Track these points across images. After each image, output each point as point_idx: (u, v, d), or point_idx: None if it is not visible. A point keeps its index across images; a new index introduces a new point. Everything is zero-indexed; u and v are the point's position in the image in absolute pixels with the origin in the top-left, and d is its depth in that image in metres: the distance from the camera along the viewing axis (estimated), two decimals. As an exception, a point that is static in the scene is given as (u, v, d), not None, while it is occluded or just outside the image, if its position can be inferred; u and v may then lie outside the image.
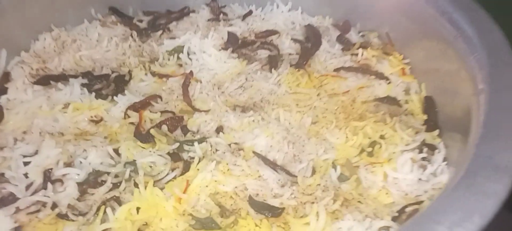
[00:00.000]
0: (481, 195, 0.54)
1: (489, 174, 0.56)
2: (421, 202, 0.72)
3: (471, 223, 0.51)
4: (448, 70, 0.85)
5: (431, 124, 0.85)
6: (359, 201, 0.73)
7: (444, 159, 0.79)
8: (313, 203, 0.72)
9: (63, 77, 0.92)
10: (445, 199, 0.54)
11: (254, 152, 0.78)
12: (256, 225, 0.68)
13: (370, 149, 0.80)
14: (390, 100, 0.89)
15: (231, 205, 0.71)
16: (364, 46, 1.00)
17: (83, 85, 0.90)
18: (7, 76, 0.92)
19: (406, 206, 0.72)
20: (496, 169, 0.56)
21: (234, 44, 1.01)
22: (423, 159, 0.79)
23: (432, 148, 0.80)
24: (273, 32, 1.06)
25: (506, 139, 0.61)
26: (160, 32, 1.06)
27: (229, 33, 1.03)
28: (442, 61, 0.87)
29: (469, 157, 0.60)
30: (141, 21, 1.09)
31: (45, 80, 0.91)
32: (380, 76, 0.94)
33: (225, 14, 1.12)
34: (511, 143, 0.60)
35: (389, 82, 0.93)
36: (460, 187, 0.55)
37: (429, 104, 0.88)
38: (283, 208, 0.71)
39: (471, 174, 0.57)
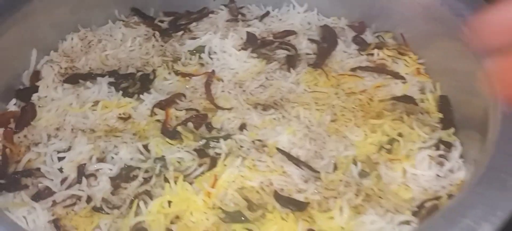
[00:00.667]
0: (503, 190, 0.57)
1: (510, 170, 0.59)
2: (440, 197, 0.76)
3: (494, 217, 0.54)
4: (464, 71, 0.87)
5: (446, 122, 0.88)
6: (380, 196, 0.76)
7: (461, 156, 0.82)
8: (336, 198, 0.75)
9: (91, 76, 0.95)
10: (468, 195, 0.57)
11: (278, 149, 0.81)
12: (283, 219, 0.71)
13: (388, 146, 0.83)
14: (406, 99, 0.92)
15: (258, 199, 0.75)
16: (379, 46, 1.03)
17: (110, 84, 0.94)
18: (37, 75, 0.96)
19: (425, 201, 0.75)
20: (518, 166, 0.60)
21: (254, 44, 1.04)
22: (440, 156, 0.82)
23: (448, 146, 0.84)
24: (291, 33, 1.08)
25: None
26: (181, 32, 1.09)
27: (248, 33, 1.06)
28: (458, 62, 0.90)
29: (489, 155, 0.63)
30: (162, 21, 1.12)
31: (74, 79, 0.94)
32: (396, 75, 0.97)
33: (243, 15, 1.15)
34: (529, 141, 0.63)
35: (405, 82, 0.95)
36: (482, 183, 0.58)
37: (444, 103, 0.91)
38: (308, 203, 0.74)
39: (492, 170, 0.60)
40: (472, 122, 0.82)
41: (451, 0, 0.91)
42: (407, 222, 0.72)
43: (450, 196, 0.75)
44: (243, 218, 0.71)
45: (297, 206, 0.73)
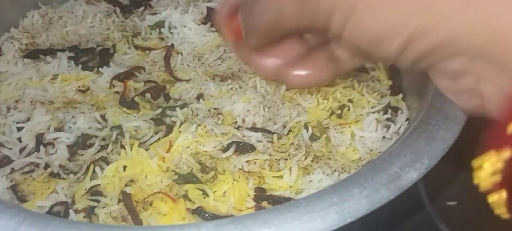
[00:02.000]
0: (431, 140, 0.61)
1: (438, 123, 0.63)
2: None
3: (420, 164, 0.58)
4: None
5: (395, 89, 0.92)
6: (328, 158, 0.80)
7: (407, 119, 0.86)
8: (286, 159, 0.78)
9: (51, 51, 0.97)
10: (399, 145, 0.61)
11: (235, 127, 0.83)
12: (234, 179, 0.74)
13: (339, 112, 0.87)
14: (358, 67, 0.95)
15: (211, 163, 0.78)
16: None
17: (70, 58, 0.95)
18: (-3, 51, 0.97)
19: (370, 161, 0.79)
20: (445, 119, 0.63)
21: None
22: (388, 119, 0.86)
23: (395, 110, 0.88)
24: (251, 7, 1.11)
25: (456, 95, 0.68)
26: (142, 8, 1.11)
27: (208, 8, 1.08)
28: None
29: (422, 109, 0.67)
30: (124, -2, 1.14)
31: (34, 54, 0.96)
32: (350, 46, 1.00)
33: (204, -10, 1.17)
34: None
35: (358, 52, 0.99)
36: (412, 134, 0.62)
37: (394, 71, 0.95)
38: (254, 147, 0.78)
39: (423, 123, 0.63)
40: (417, 87, 0.86)
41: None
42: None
43: (394, 155, 0.79)
44: (195, 179, 0.74)
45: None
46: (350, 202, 0.53)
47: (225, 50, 1.00)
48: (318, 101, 0.89)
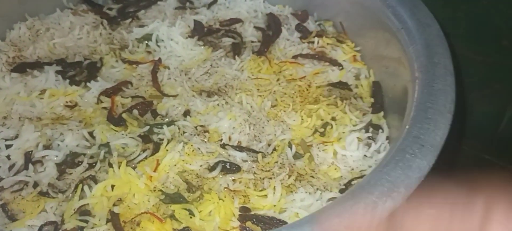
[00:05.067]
0: (407, 169, 0.64)
1: (415, 151, 0.66)
2: (365, 175, 0.83)
3: (397, 193, 0.61)
4: (392, 58, 0.94)
5: (377, 106, 0.95)
6: (311, 176, 0.83)
7: (387, 138, 0.89)
8: (270, 178, 0.81)
9: (38, 65, 0.98)
10: (377, 173, 0.63)
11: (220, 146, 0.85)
12: (220, 198, 0.77)
13: (322, 130, 0.90)
14: (342, 85, 0.98)
15: (197, 181, 0.80)
16: (320, 34, 1.09)
17: (57, 72, 0.96)
18: (-16, 64, 0.97)
19: (352, 180, 0.82)
20: (421, 147, 0.67)
21: (200, 32, 1.08)
22: (369, 137, 0.89)
23: (376, 128, 0.91)
24: (237, 21, 1.13)
25: (433, 121, 0.71)
26: (129, 20, 1.12)
27: (195, 21, 1.10)
28: (387, 50, 0.97)
29: (401, 137, 0.70)
30: (111, 9, 1.14)
31: (21, 68, 0.96)
32: (334, 62, 1.03)
33: (191, 2, 1.19)
34: (437, 124, 0.70)
35: (342, 69, 1.02)
36: (390, 163, 0.65)
37: (376, 89, 0.98)
38: (240, 167, 0.81)
39: (401, 151, 0.66)
40: (397, 106, 0.89)
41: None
42: (334, 199, 0.79)
43: (375, 174, 0.82)
44: (181, 199, 0.76)
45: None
46: (330, 231, 0.56)
47: (211, 65, 1.02)
48: (302, 119, 0.91)
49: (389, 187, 0.61)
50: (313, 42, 1.08)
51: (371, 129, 0.90)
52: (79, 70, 0.98)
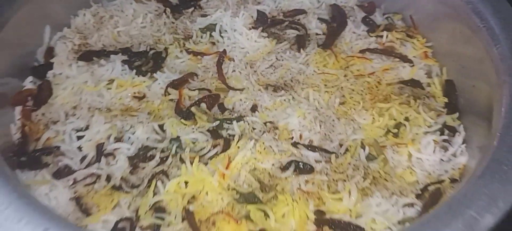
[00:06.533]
0: (504, 183, 0.60)
1: (511, 163, 0.62)
2: (443, 181, 0.79)
3: (496, 208, 0.57)
4: (471, 57, 0.90)
5: (451, 107, 0.91)
6: (386, 179, 0.80)
7: (464, 141, 0.85)
8: (344, 181, 0.78)
9: (104, 53, 0.97)
10: (472, 186, 0.60)
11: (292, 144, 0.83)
12: (294, 200, 0.75)
13: (395, 130, 0.86)
14: (413, 83, 0.94)
15: (269, 181, 0.78)
16: (388, 28, 1.05)
17: (123, 62, 0.95)
18: (51, 51, 0.97)
19: (428, 185, 0.79)
20: (519, 158, 0.63)
21: (264, 23, 1.06)
22: (444, 140, 0.85)
23: (452, 130, 0.87)
24: (300, 11, 1.10)
25: (527, 130, 0.67)
26: (191, 9, 1.10)
27: (258, 12, 1.07)
28: (465, 47, 0.92)
29: (493, 146, 0.66)
30: (172, -3, 1.13)
31: (88, 56, 0.96)
32: (404, 59, 0.99)
33: (253, -9, 1.16)
34: (532, 134, 0.66)
35: (412, 65, 0.98)
36: (485, 176, 0.61)
37: (450, 88, 0.94)
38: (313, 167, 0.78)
39: (495, 162, 0.63)
40: (475, 108, 0.85)
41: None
42: (411, 205, 0.76)
43: (452, 180, 0.79)
44: (256, 199, 0.74)
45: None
46: (429, 248, 0.53)
47: (276, 58, 0.99)
48: (373, 118, 0.88)
49: (487, 201, 0.58)
50: (381, 36, 1.04)
51: (446, 131, 0.87)
52: (145, 60, 0.97)
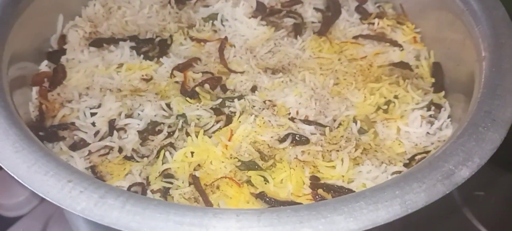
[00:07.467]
0: (481, 141, 0.67)
1: (487, 125, 0.69)
2: (428, 151, 0.86)
3: (472, 162, 0.64)
4: (455, 39, 0.97)
5: (438, 86, 0.98)
6: (376, 150, 0.86)
7: (449, 116, 0.92)
8: (338, 151, 0.85)
9: (113, 41, 1.04)
10: (451, 145, 0.67)
11: (289, 119, 0.89)
12: (291, 168, 0.81)
13: (385, 107, 0.93)
14: (403, 65, 1.01)
15: (268, 151, 0.85)
16: (379, 16, 1.11)
17: (131, 48, 1.02)
18: (64, 38, 1.04)
19: (415, 155, 0.85)
20: (493, 121, 0.69)
21: (263, 12, 1.13)
22: (431, 116, 0.92)
23: (438, 107, 0.94)
24: (297, 2, 1.17)
25: (503, 98, 0.73)
26: (194, 0, 1.17)
27: (257, 2, 1.14)
28: (449, 31, 0.99)
29: (471, 112, 0.72)
30: (176, -12, 1.19)
31: (98, 42, 1.03)
32: (394, 43, 1.06)
33: (252, -17, 1.23)
34: (506, 101, 0.73)
35: (402, 49, 1.05)
36: (463, 135, 0.68)
37: (436, 69, 1.01)
38: (308, 139, 0.85)
39: (473, 125, 0.69)
40: (459, 86, 0.92)
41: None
42: (399, 172, 0.82)
43: (438, 150, 0.85)
44: (256, 167, 0.81)
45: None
46: (410, 195, 0.59)
47: (275, 44, 1.06)
48: (365, 97, 0.95)
49: (464, 157, 0.64)
50: (373, 23, 1.11)
51: (433, 108, 0.93)
52: (151, 46, 1.03)
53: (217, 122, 0.89)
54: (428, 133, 0.89)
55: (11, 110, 0.72)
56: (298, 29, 1.09)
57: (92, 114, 0.89)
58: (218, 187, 0.78)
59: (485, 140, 0.67)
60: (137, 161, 0.82)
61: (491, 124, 0.69)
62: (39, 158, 0.62)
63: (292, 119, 0.89)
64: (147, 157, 0.83)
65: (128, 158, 0.83)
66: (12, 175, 0.61)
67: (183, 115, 0.89)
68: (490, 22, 0.87)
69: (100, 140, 0.86)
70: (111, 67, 0.98)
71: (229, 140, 0.84)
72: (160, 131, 0.86)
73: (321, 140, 0.86)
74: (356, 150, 0.85)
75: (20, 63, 0.92)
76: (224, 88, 0.96)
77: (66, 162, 0.73)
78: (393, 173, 0.82)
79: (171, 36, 1.07)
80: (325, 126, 0.88)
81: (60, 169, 0.61)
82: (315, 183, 0.79)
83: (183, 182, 0.78)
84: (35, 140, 0.67)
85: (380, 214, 0.58)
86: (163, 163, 0.81)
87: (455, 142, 0.67)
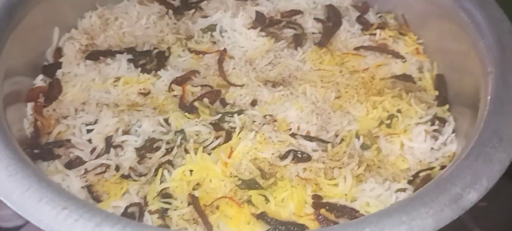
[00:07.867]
0: (488, 162, 0.65)
1: (494, 145, 0.67)
2: (433, 168, 0.84)
3: (480, 185, 0.62)
4: (459, 51, 0.95)
5: (441, 99, 0.96)
6: (379, 167, 0.85)
7: (453, 131, 0.90)
8: (340, 168, 0.83)
9: (110, 53, 1.01)
10: (458, 166, 0.65)
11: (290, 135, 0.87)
12: (293, 186, 0.79)
13: (388, 121, 0.91)
14: (405, 77, 0.99)
15: (269, 169, 0.83)
16: (381, 26, 1.10)
17: (129, 60, 1.00)
18: (59, 51, 1.02)
19: (420, 171, 0.84)
20: (501, 140, 0.68)
21: (262, 23, 1.10)
22: (435, 130, 0.90)
23: (442, 121, 0.92)
24: (297, 12, 1.15)
25: (510, 115, 0.72)
26: (192, 10, 1.15)
27: (257, 12, 1.12)
28: (453, 43, 0.97)
29: (478, 131, 0.71)
30: (174, -1, 1.18)
31: (95, 55, 1.00)
32: (396, 55, 1.04)
33: (251, -7, 1.21)
34: (514, 119, 0.71)
35: (405, 61, 1.03)
36: (470, 156, 0.66)
37: (440, 82, 0.99)
38: (310, 156, 0.83)
39: (480, 145, 0.68)
40: (464, 99, 0.90)
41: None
42: (403, 190, 0.81)
43: (442, 167, 0.84)
44: (257, 185, 0.79)
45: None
46: (417, 221, 0.58)
47: (275, 56, 1.04)
48: (367, 110, 0.93)
49: (472, 179, 0.63)
50: (374, 34, 1.09)
51: (436, 122, 0.91)
52: (149, 59, 1.01)
53: (217, 137, 0.87)
54: (432, 148, 0.88)
55: (5, 130, 0.70)
56: (298, 40, 1.08)
57: (88, 130, 0.87)
58: (217, 207, 0.76)
59: (493, 160, 0.65)
60: (135, 180, 0.80)
61: (499, 144, 0.67)
62: (33, 183, 0.60)
63: (293, 135, 0.87)
64: (145, 175, 0.81)
65: (125, 177, 0.81)
66: (4, 200, 0.59)
67: (182, 131, 0.87)
68: (496, 36, 0.85)
69: (96, 158, 0.83)
70: (108, 81, 0.96)
71: (229, 157, 0.82)
72: (158, 148, 0.84)
73: (323, 157, 0.84)
74: (359, 166, 0.83)
75: (14, 77, 0.90)
76: (224, 102, 0.94)
77: (61, 187, 0.70)
78: (397, 190, 0.81)
79: (169, 48, 1.05)
80: (327, 142, 0.86)
81: (55, 195, 0.59)
82: (318, 202, 0.78)
83: (181, 202, 0.76)
84: (29, 163, 0.65)
85: (386, 241, 0.56)
86: (161, 182, 0.79)
87: (462, 162, 0.65)
